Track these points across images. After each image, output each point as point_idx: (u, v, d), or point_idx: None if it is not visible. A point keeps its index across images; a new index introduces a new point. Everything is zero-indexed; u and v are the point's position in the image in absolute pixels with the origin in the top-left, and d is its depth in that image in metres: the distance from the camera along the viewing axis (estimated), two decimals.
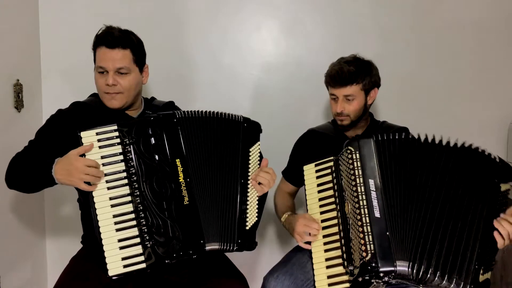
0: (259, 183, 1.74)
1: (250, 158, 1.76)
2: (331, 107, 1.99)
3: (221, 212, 1.68)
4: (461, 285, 1.51)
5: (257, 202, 1.75)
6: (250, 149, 1.76)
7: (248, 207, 1.72)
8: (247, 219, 1.72)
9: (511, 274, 2.57)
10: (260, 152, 1.81)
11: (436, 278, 1.53)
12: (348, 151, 1.67)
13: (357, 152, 1.65)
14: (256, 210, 1.75)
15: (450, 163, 1.62)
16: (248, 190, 1.74)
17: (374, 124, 2.05)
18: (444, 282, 1.52)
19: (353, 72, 1.89)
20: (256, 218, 1.74)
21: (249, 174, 1.74)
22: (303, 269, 1.84)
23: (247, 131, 1.76)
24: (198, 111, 1.72)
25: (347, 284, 1.66)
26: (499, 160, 1.62)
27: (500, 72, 2.56)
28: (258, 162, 1.79)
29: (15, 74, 2.31)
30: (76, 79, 2.53)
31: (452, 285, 1.52)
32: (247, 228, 1.71)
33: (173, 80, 2.57)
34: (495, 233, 1.55)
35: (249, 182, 1.74)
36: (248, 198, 1.73)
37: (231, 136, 1.74)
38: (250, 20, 2.58)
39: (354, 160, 1.64)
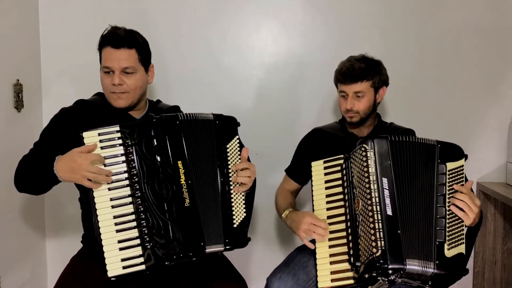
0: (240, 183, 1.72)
1: (229, 154, 1.73)
2: (340, 105, 2.00)
3: (212, 213, 1.67)
4: (431, 264, 1.58)
5: (243, 198, 1.74)
6: (227, 145, 1.74)
7: (233, 204, 1.71)
8: (234, 217, 1.71)
9: (511, 275, 2.58)
10: (240, 146, 1.77)
11: (425, 269, 1.57)
12: (363, 149, 1.68)
13: (372, 150, 1.66)
14: (244, 207, 1.74)
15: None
16: (231, 187, 1.72)
17: (381, 125, 2.07)
18: (427, 269, 1.57)
19: (364, 69, 1.91)
20: (245, 214, 1.73)
21: (230, 171, 1.73)
22: (305, 269, 1.84)
23: (220, 128, 1.74)
24: (199, 114, 1.72)
25: (351, 281, 1.66)
26: (437, 143, 1.71)
27: (500, 72, 2.55)
28: (239, 156, 1.76)
29: (15, 74, 2.31)
30: (76, 79, 2.54)
31: (428, 269, 1.58)
32: (235, 226, 1.70)
33: (173, 81, 2.57)
34: (454, 208, 1.63)
35: (230, 180, 1.72)
36: (232, 196, 1.72)
37: (206, 136, 1.71)
38: (250, 20, 2.58)
39: (369, 158, 1.66)
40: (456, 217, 1.63)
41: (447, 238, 1.61)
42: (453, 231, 1.62)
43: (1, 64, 2.21)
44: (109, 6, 2.52)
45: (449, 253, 1.60)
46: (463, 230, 1.64)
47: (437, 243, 1.60)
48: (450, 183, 1.67)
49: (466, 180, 1.70)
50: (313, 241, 1.78)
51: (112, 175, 1.58)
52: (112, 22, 1.83)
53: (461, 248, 1.62)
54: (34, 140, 1.79)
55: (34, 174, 1.66)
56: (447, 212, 1.63)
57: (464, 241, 1.63)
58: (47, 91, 2.55)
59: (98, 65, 1.81)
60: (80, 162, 1.54)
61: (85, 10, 2.52)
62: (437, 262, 1.58)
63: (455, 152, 1.71)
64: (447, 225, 1.62)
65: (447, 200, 1.64)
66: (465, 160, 1.71)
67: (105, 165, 1.58)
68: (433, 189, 1.66)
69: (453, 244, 1.61)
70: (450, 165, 1.68)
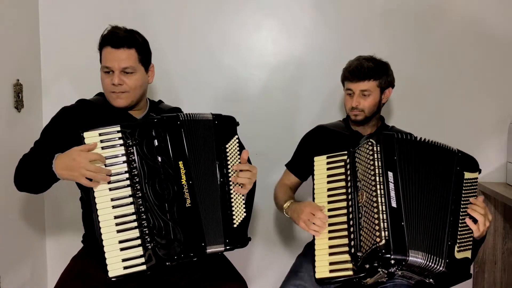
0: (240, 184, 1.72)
1: (228, 154, 1.73)
2: (346, 103, 2.03)
3: (213, 214, 1.67)
4: (441, 262, 1.59)
5: (243, 198, 1.74)
6: (227, 145, 1.74)
7: (233, 204, 1.71)
8: (234, 217, 1.71)
9: (511, 275, 2.58)
10: (239, 146, 1.78)
11: (433, 264, 1.58)
12: (370, 143, 1.71)
13: (379, 145, 1.69)
14: (243, 206, 1.73)
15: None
16: (231, 188, 1.72)
17: (384, 127, 2.09)
18: (436, 266, 1.59)
19: (372, 68, 1.95)
20: (245, 214, 1.73)
21: (229, 171, 1.73)
22: (310, 274, 1.82)
23: (219, 128, 1.74)
24: (199, 114, 1.72)
25: (350, 272, 1.66)
26: (458, 151, 1.76)
27: (500, 72, 2.56)
28: (238, 156, 1.76)
29: (15, 74, 2.31)
30: (76, 78, 2.54)
31: (437, 266, 1.59)
32: (235, 226, 1.70)
33: (173, 81, 2.57)
34: (468, 220, 1.66)
35: (230, 180, 1.72)
36: (232, 196, 1.72)
37: (206, 136, 1.72)
38: (250, 20, 2.58)
39: (375, 152, 1.68)
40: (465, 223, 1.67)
41: (458, 240, 1.63)
42: (464, 235, 1.65)
43: (1, 64, 2.21)
44: (109, 6, 2.51)
45: (458, 255, 1.62)
46: (472, 236, 1.66)
47: (449, 243, 1.62)
48: (466, 192, 1.70)
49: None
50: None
51: (113, 175, 1.58)
52: (112, 22, 1.83)
53: (468, 253, 1.64)
54: (34, 140, 1.79)
55: (33, 171, 1.66)
56: (460, 219, 1.66)
57: (471, 246, 1.66)
58: (47, 91, 2.55)
59: (98, 65, 1.81)
60: (79, 160, 1.54)
61: (85, 10, 2.51)
62: (447, 261, 1.59)
63: (472, 163, 1.76)
64: (459, 228, 1.65)
65: (461, 208, 1.67)
66: (479, 174, 1.76)
67: (105, 165, 1.58)
68: (448, 191, 1.68)
69: (462, 248, 1.63)
70: (467, 175, 1.72)
